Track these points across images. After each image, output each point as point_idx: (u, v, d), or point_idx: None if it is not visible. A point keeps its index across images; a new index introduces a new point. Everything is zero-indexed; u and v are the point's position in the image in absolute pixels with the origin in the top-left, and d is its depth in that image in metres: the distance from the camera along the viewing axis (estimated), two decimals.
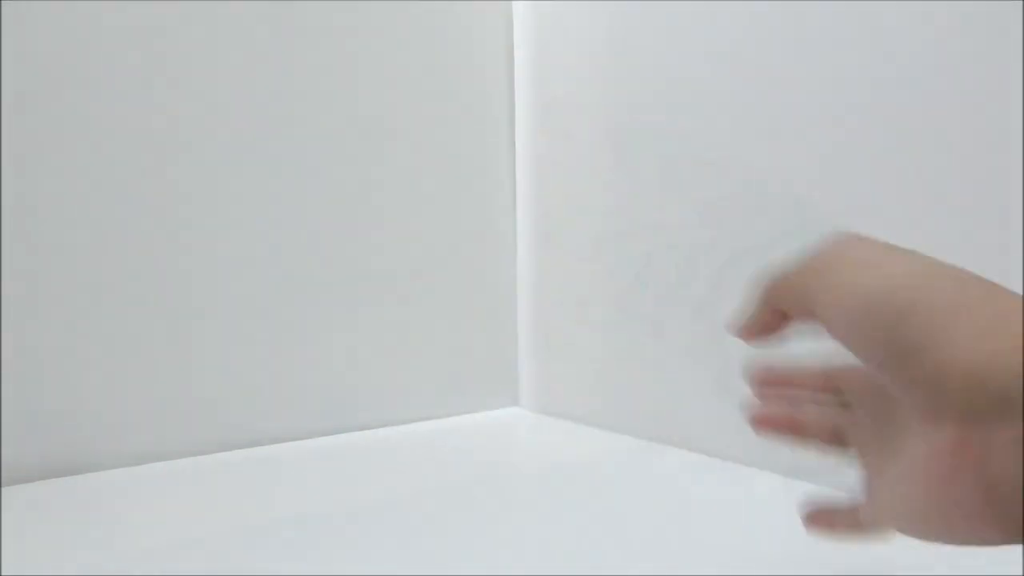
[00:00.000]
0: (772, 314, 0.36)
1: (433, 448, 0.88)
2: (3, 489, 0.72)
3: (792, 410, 0.40)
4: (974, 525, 0.26)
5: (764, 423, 0.41)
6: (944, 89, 0.61)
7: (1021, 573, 0.38)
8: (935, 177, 0.62)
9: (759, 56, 0.74)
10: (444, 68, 0.98)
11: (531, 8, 1.00)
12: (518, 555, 0.57)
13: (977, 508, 0.25)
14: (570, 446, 0.88)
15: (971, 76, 0.60)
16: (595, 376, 0.94)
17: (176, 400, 0.82)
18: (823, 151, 0.69)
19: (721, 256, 0.78)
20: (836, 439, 0.39)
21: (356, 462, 0.82)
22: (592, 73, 0.92)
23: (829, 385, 0.40)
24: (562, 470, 0.79)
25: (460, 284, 0.99)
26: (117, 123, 0.79)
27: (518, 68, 1.03)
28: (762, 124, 0.74)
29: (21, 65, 0.74)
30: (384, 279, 0.94)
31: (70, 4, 0.76)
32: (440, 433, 0.93)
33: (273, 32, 0.87)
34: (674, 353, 0.83)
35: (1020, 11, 0.56)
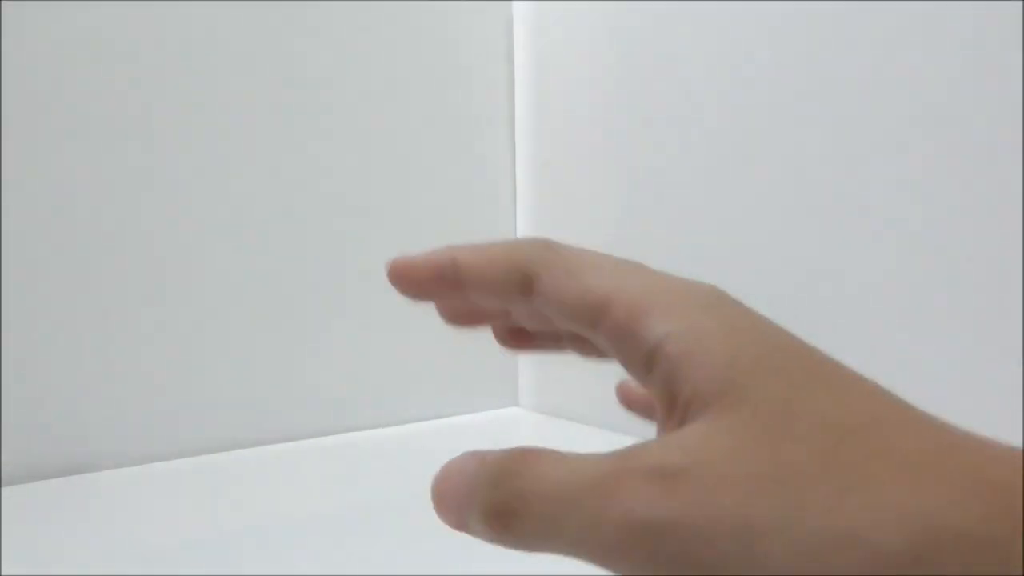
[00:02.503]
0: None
1: (433, 448, 0.88)
2: (3, 489, 0.72)
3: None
4: None
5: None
6: (944, 89, 0.61)
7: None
8: (935, 177, 0.62)
9: (759, 55, 0.74)
10: (444, 68, 0.98)
11: (531, 8, 1.00)
12: (518, 555, 0.57)
13: None
14: (570, 446, 0.87)
15: (971, 76, 0.60)
16: (595, 376, 0.93)
17: (176, 400, 0.82)
18: (824, 150, 0.69)
19: (722, 256, 0.78)
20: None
21: (356, 462, 0.82)
22: (592, 73, 0.92)
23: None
24: None
25: None
26: (117, 122, 0.79)
27: (518, 68, 1.03)
28: (763, 123, 0.74)
29: (21, 65, 0.74)
30: (384, 279, 0.94)
31: (70, 4, 0.76)
32: (440, 433, 0.93)
33: (273, 32, 0.87)
34: None
35: (1020, 11, 0.56)
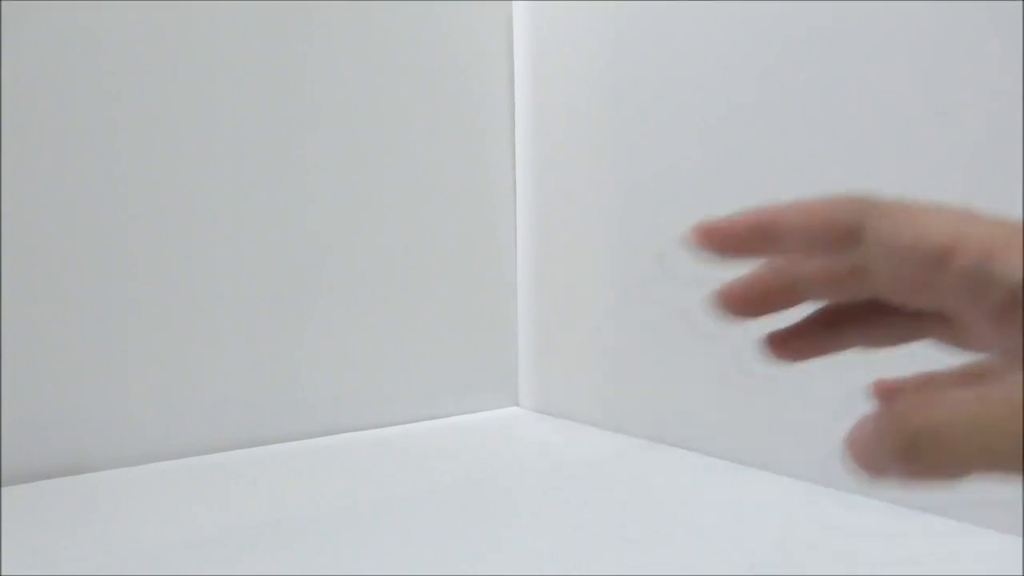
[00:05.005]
0: (771, 225, 0.25)
1: (433, 448, 0.88)
2: (3, 489, 0.72)
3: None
4: None
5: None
6: (945, 89, 0.61)
7: (1021, 573, 0.38)
8: (935, 177, 0.62)
9: (759, 56, 0.74)
10: (444, 68, 0.98)
11: (531, 8, 1.00)
12: (518, 555, 0.57)
13: None
14: (570, 446, 0.88)
15: (971, 75, 0.60)
16: (595, 376, 0.93)
17: (176, 400, 0.82)
18: (824, 150, 0.69)
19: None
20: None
21: (356, 462, 0.82)
22: (592, 73, 0.92)
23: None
24: (562, 470, 0.79)
25: (460, 284, 0.99)
26: (117, 123, 0.79)
27: (518, 68, 1.03)
28: (762, 123, 0.74)
29: (21, 65, 0.74)
30: (384, 280, 0.94)
31: (71, 4, 0.76)
32: (440, 433, 0.93)
33: (274, 33, 0.87)
34: (674, 353, 0.83)
35: (1020, 11, 0.56)
